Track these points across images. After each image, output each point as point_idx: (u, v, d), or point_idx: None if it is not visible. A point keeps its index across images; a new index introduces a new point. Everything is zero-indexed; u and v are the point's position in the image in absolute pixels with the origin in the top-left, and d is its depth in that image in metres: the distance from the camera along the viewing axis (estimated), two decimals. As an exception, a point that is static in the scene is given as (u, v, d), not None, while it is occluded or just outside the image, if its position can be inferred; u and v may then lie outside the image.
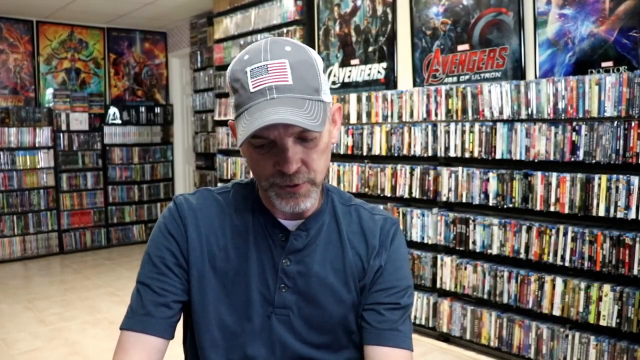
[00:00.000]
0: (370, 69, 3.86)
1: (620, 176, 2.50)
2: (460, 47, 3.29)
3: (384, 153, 3.56)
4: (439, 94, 3.25)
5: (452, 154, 3.19)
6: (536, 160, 2.81)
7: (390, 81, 3.72)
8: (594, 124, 2.58)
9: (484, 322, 3.06)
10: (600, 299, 2.57)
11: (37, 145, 5.77)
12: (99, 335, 3.56)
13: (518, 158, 2.88)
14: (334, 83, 4.11)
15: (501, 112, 2.96)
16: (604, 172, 2.58)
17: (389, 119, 3.53)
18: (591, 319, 2.61)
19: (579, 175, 2.65)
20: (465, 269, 3.12)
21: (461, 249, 3.15)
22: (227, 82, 0.92)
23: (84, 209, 6.13)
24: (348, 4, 3.97)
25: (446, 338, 3.30)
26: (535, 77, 2.94)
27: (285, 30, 4.30)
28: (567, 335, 2.70)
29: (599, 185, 2.57)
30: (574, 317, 2.67)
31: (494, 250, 2.99)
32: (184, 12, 5.96)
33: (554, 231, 2.74)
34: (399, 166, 3.46)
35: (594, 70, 2.72)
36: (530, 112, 2.83)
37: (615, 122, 2.51)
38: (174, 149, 6.80)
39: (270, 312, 0.97)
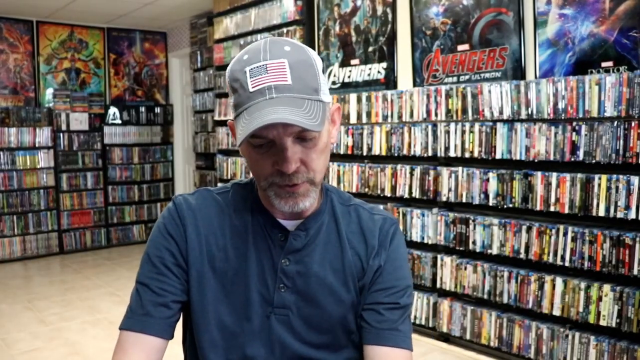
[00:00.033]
0: (370, 69, 3.86)
1: (620, 176, 2.50)
2: (460, 47, 3.29)
3: (384, 153, 3.56)
4: (439, 94, 3.25)
5: (452, 154, 3.19)
6: (536, 160, 2.81)
7: (390, 81, 3.72)
8: (594, 124, 2.58)
9: (484, 322, 3.06)
10: (600, 299, 2.57)
11: (37, 145, 5.78)
12: (99, 335, 3.56)
13: (518, 158, 2.88)
14: (334, 83, 4.11)
15: (501, 112, 2.96)
16: (604, 172, 2.58)
17: (389, 119, 3.53)
18: (591, 319, 2.60)
19: (579, 175, 2.65)
20: (465, 269, 3.12)
21: (461, 249, 3.15)
22: (227, 81, 0.92)
23: (84, 209, 6.13)
24: (348, 4, 3.97)
25: (446, 338, 3.30)
26: (535, 77, 2.94)
27: (285, 30, 4.30)
28: (567, 335, 2.70)
29: (599, 185, 2.57)
30: (574, 317, 2.67)
31: (494, 250, 2.99)
32: (184, 12, 5.96)
33: (554, 231, 2.74)
34: (399, 166, 3.46)
35: (594, 70, 2.72)
36: (530, 112, 2.83)
37: (615, 122, 2.51)
38: (174, 149, 6.80)
39: (270, 312, 0.97)
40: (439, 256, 3.27)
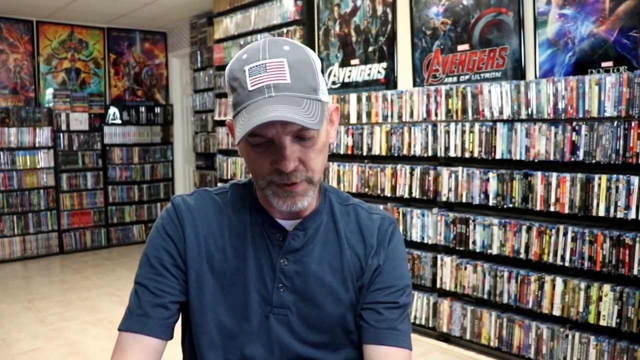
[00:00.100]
0: (370, 69, 3.86)
1: (620, 176, 2.50)
2: (460, 47, 3.29)
3: (384, 153, 3.56)
4: (439, 94, 3.25)
5: (452, 154, 3.19)
6: (536, 160, 2.81)
7: (390, 81, 3.72)
8: (594, 124, 2.58)
9: (484, 322, 3.06)
10: (600, 299, 2.57)
11: (37, 145, 5.78)
12: (99, 335, 3.56)
13: (518, 158, 2.88)
14: (334, 83, 4.11)
15: (501, 112, 2.96)
16: (604, 172, 2.58)
17: (389, 119, 3.52)
18: (591, 319, 2.60)
19: (579, 175, 2.65)
20: (465, 269, 3.12)
21: (461, 249, 3.15)
22: (226, 81, 0.93)
23: (84, 209, 6.13)
24: (348, 4, 3.97)
25: (446, 338, 3.30)
26: (535, 77, 2.94)
27: (285, 30, 4.30)
28: (567, 335, 2.70)
29: (599, 185, 2.57)
30: (574, 317, 2.67)
31: (494, 250, 2.99)
32: (184, 12, 5.96)
33: (554, 231, 2.74)
34: (399, 166, 3.46)
35: (594, 70, 2.72)
36: (530, 112, 2.83)
37: (615, 122, 2.51)
38: (174, 149, 6.80)
39: (269, 312, 0.97)
40: (439, 256, 3.27)
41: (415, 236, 3.38)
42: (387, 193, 3.52)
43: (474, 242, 3.08)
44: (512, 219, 2.93)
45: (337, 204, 1.05)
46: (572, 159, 2.67)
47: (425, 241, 3.34)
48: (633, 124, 2.45)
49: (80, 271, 5.25)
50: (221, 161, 5.03)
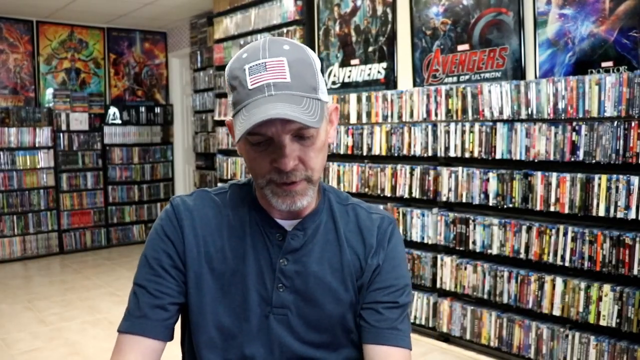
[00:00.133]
0: (370, 69, 3.86)
1: (620, 176, 2.50)
2: (460, 47, 3.29)
3: (384, 153, 3.56)
4: (439, 94, 3.25)
5: (452, 154, 3.19)
6: (536, 160, 2.81)
7: (390, 81, 3.72)
8: (594, 124, 2.58)
9: (484, 322, 3.06)
10: (600, 299, 2.57)
11: (37, 145, 5.78)
12: (99, 335, 3.56)
13: (518, 158, 2.88)
14: (334, 83, 4.11)
15: (501, 112, 2.96)
16: (604, 172, 2.58)
17: (389, 119, 3.52)
18: (591, 319, 2.60)
19: (579, 175, 2.65)
20: (465, 269, 3.12)
21: (461, 249, 3.15)
22: (226, 80, 0.93)
23: (84, 209, 6.13)
24: (348, 4, 3.97)
25: (446, 338, 3.30)
26: (535, 77, 2.94)
27: (285, 30, 4.30)
28: (567, 335, 2.70)
29: (599, 185, 2.57)
30: (574, 317, 2.67)
31: (494, 250, 2.99)
32: (184, 12, 5.96)
33: (554, 231, 2.74)
34: (399, 166, 3.46)
35: (594, 70, 2.72)
36: (530, 112, 2.83)
37: (615, 122, 2.51)
38: (174, 149, 6.80)
39: (269, 312, 0.97)
40: (439, 256, 3.27)
41: (415, 236, 3.38)
42: (387, 193, 3.52)
43: (474, 242, 3.08)
44: (512, 219, 2.93)
45: (337, 204, 1.05)
46: (572, 159, 2.67)
47: (425, 241, 3.34)
48: (633, 124, 2.45)
49: (80, 271, 5.25)
50: (221, 161, 5.03)
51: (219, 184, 1.18)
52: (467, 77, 3.26)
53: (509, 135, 2.91)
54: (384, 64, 3.76)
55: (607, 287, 2.55)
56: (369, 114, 3.65)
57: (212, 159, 5.80)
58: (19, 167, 5.67)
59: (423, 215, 3.34)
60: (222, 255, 0.98)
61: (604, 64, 2.68)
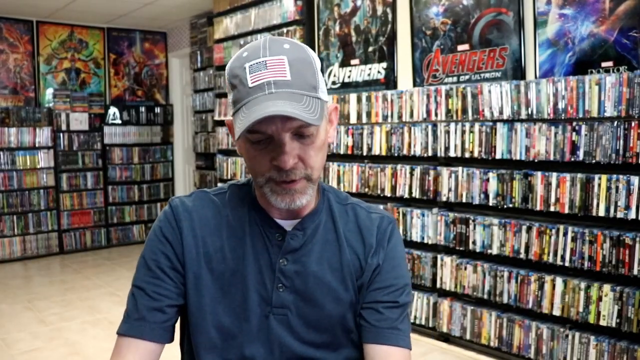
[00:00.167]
0: (370, 69, 3.86)
1: (620, 176, 2.50)
2: (460, 47, 3.29)
3: (384, 153, 3.56)
4: (439, 94, 3.25)
5: (452, 154, 3.19)
6: (536, 160, 2.81)
7: (390, 81, 3.72)
8: (594, 124, 2.58)
9: (484, 322, 3.06)
10: (600, 299, 2.57)
11: (37, 145, 5.78)
12: (99, 335, 3.56)
13: (518, 158, 2.88)
14: (334, 83, 4.11)
15: (501, 112, 2.96)
16: (604, 172, 2.58)
17: (389, 119, 3.52)
18: (591, 319, 2.60)
19: (579, 175, 2.65)
20: (465, 269, 3.12)
21: (461, 249, 3.15)
22: (226, 79, 0.93)
23: (84, 209, 6.13)
24: (348, 4, 3.97)
25: (446, 338, 3.30)
26: (535, 77, 2.94)
27: (285, 30, 4.30)
28: (567, 335, 2.70)
29: (599, 185, 2.57)
30: (574, 317, 2.67)
31: (494, 250, 2.99)
32: (184, 12, 5.96)
33: (554, 231, 2.74)
34: (399, 166, 3.46)
35: (594, 70, 2.72)
36: (530, 112, 2.83)
37: (615, 122, 2.51)
38: (174, 149, 6.80)
39: (268, 312, 0.97)
40: (439, 256, 3.27)
41: (415, 236, 3.38)
42: (387, 193, 3.52)
43: (474, 242, 3.08)
44: (512, 219, 2.93)
45: (336, 204, 1.05)
46: (572, 159, 2.67)
47: (425, 241, 3.34)
48: (633, 124, 2.45)
49: (80, 271, 5.25)
50: (221, 161, 5.03)
51: (219, 184, 1.18)
52: (467, 77, 3.26)
53: (509, 135, 2.91)
54: (384, 64, 3.76)
55: (607, 287, 2.55)
56: (369, 114, 3.65)
57: (212, 159, 5.80)
58: (19, 167, 5.67)
59: (423, 215, 3.34)
60: (222, 255, 0.98)
61: (604, 64, 2.68)
